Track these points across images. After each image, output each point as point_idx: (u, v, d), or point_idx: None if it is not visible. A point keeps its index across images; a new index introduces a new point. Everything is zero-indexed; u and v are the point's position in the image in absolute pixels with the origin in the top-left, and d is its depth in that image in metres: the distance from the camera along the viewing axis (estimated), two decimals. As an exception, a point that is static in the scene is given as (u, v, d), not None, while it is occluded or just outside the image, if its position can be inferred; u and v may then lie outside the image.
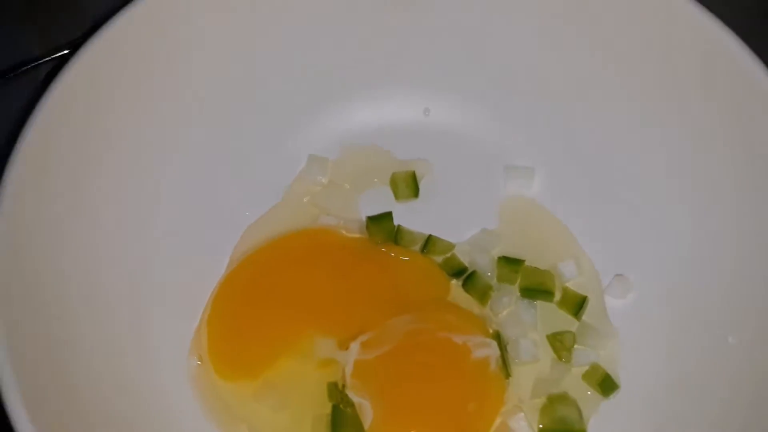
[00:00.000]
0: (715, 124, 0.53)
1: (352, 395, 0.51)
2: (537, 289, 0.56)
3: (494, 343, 0.52)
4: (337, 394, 0.52)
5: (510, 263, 0.57)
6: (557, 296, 0.56)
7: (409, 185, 0.62)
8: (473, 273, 0.57)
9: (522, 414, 0.51)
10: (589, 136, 0.61)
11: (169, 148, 0.58)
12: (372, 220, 0.59)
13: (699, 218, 0.54)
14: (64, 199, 0.49)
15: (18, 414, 0.37)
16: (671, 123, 0.56)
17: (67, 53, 0.70)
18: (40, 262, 0.47)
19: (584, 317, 0.55)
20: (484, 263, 0.57)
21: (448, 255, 0.58)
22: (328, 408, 0.52)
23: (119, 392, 0.48)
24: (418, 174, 0.62)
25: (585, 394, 0.52)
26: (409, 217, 0.61)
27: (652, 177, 0.58)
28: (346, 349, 0.53)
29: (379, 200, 0.62)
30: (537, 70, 0.61)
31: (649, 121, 0.57)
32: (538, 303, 0.56)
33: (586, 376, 0.53)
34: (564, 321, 0.55)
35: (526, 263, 0.57)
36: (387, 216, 0.60)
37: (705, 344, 0.50)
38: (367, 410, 0.50)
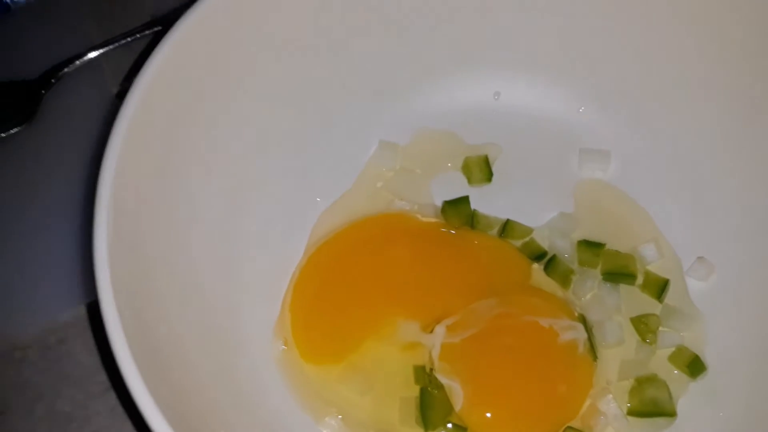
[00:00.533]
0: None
1: (441, 377, 0.51)
2: (619, 272, 0.56)
3: (581, 326, 0.53)
4: (425, 376, 0.52)
5: (591, 247, 0.57)
6: (639, 279, 0.56)
7: (482, 169, 0.62)
8: (554, 257, 0.57)
9: (610, 396, 0.51)
10: (664, 119, 0.61)
11: (250, 140, 0.58)
12: (449, 204, 0.60)
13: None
14: (161, 191, 0.50)
15: (143, 396, 0.38)
16: (751, 110, 0.55)
17: (128, 41, 0.71)
18: (142, 257, 0.47)
19: (667, 300, 0.55)
20: (563, 247, 0.58)
21: (527, 239, 0.59)
22: (414, 391, 0.52)
23: (213, 380, 0.49)
24: (490, 158, 0.63)
25: (672, 376, 0.52)
26: (483, 201, 0.61)
27: (729, 159, 0.58)
28: (431, 332, 0.53)
29: (451, 185, 0.62)
30: (612, 53, 0.60)
31: (729, 106, 0.57)
32: (621, 286, 0.56)
33: (673, 358, 0.53)
34: (647, 304, 0.55)
35: (607, 247, 0.57)
36: (464, 200, 0.60)
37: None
38: (457, 392, 0.51)
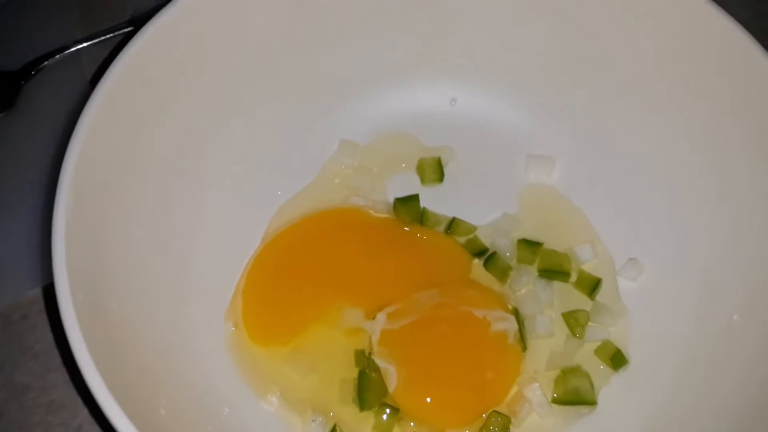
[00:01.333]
0: (729, 123, 0.56)
1: (378, 361, 0.54)
2: (554, 270, 0.59)
3: (513, 318, 0.56)
4: (364, 360, 0.55)
5: (529, 245, 0.60)
6: (573, 277, 0.59)
7: (435, 170, 0.65)
8: (494, 253, 0.60)
9: (537, 384, 0.54)
10: (607, 130, 0.64)
11: (213, 132, 0.61)
12: (400, 201, 0.63)
13: (706, 209, 0.57)
14: (122, 178, 0.53)
15: (86, 362, 0.41)
16: (687, 121, 0.59)
17: (108, 37, 0.74)
18: (100, 240, 0.50)
19: (598, 297, 0.58)
20: (504, 245, 0.61)
21: (471, 236, 0.62)
22: (354, 373, 0.55)
23: (161, 358, 0.51)
24: (443, 160, 0.66)
25: (597, 368, 0.55)
26: (434, 200, 0.64)
27: (665, 169, 0.61)
28: (373, 319, 0.56)
29: (406, 184, 0.66)
30: (561, 65, 0.64)
31: (667, 117, 0.60)
32: (555, 283, 0.59)
33: (598, 351, 0.56)
34: (579, 300, 0.59)
35: (544, 246, 0.60)
36: (414, 198, 0.63)
37: (711, 322, 0.53)
38: (391, 375, 0.54)
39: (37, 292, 0.64)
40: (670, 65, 0.59)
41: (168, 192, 0.58)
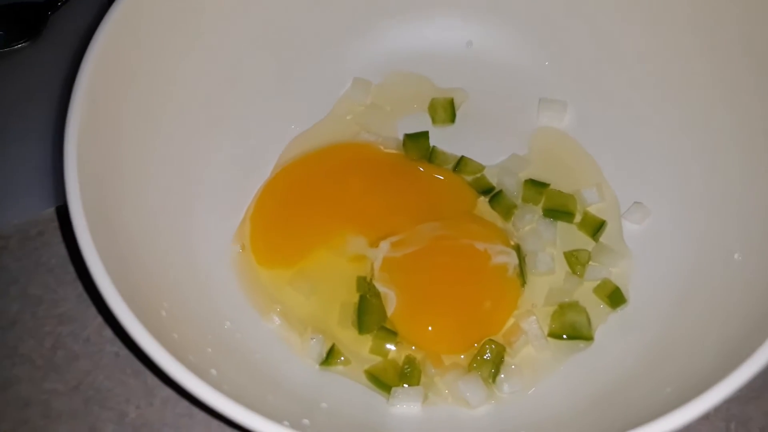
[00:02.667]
0: (739, 66, 0.55)
1: (379, 286, 0.55)
2: (559, 209, 0.59)
3: (513, 252, 0.56)
4: (365, 286, 0.56)
5: (536, 185, 0.61)
6: (578, 218, 0.60)
7: (446, 110, 0.66)
8: (500, 192, 0.61)
9: (534, 318, 0.54)
10: (620, 77, 0.64)
11: (230, 59, 0.62)
12: (409, 137, 0.63)
13: (713, 155, 0.57)
14: (137, 98, 0.54)
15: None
16: (698, 67, 0.59)
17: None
18: (114, 156, 0.51)
19: (601, 239, 0.59)
20: (511, 184, 0.61)
21: (478, 175, 0.62)
22: (354, 298, 0.56)
23: (171, 269, 0.53)
24: (456, 102, 0.66)
25: (595, 307, 0.56)
26: (444, 140, 0.65)
27: (675, 116, 0.61)
28: (376, 247, 0.57)
29: (417, 124, 0.66)
30: (580, 11, 0.64)
31: (679, 63, 0.60)
32: (559, 223, 0.59)
33: (597, 290, 0.56)
34: (582, 241, 0.59)
35: (551, 187, 0.61)
36: (423, 135, 0.64)
37: (711, 264, 0.53)
38: (391, 299, 0.55)
39: (54, 211, 0.66)
40: (682, 10, 0.58)
41: (182, 115, 0.59)
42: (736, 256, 0.50)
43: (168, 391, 0.57)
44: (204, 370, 0.40)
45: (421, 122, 0.66)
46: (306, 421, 0.39)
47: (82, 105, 0.49)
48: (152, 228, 0.53)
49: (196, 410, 0.56)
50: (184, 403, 0.57)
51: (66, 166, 0.46)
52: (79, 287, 0.62)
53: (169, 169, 0.57)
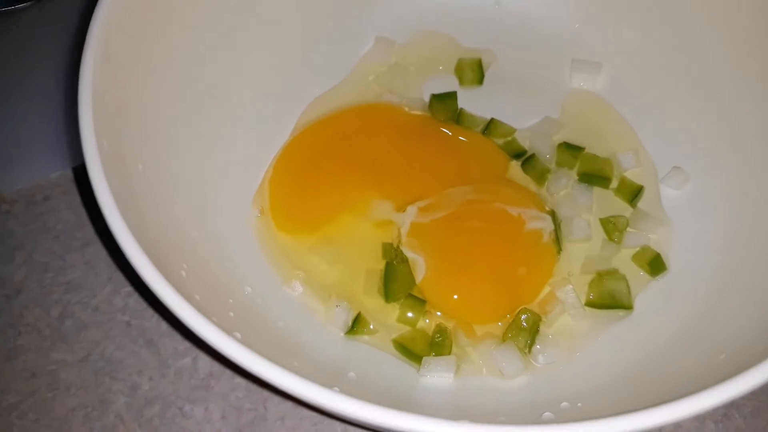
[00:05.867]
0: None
1: (407, 251, 0.52)
2: (595, 174, 0.56)
3: (548, 217, 0.53)
4: (392, 252, 0.53)
5: (570, 149, 0.58)
6: (614, 184, 0.57)
7: (474, 71, 0.63)
8: (533, 155, 0.58)
9: (570, 286, 0.52)
10: (656, 36, 0.61)
11: (247, 17, 0.59)
12: (436, 97, 0.60)
13: (754, 116, 0.54)
14: (146, 45, 0.51)
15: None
16: (739, 29, 0.56)
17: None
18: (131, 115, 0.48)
19: (639, 205, 0.56)
20: (544, 148, 0.58)
21: (509, 138, 0.59)
22: (380, 264, 0.53)
23: (191, 229, 0.50)
24: (483, 64, 0.63)
25: (634, 274, 0.53)
26: (472, 102, 0.62)
27: (713, 77, 0.58)
28: (403, 212, 0.54)
29: (443, 86, 0.63)
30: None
31: (718, 25, 0.57)
32: (595, 189, 0.57)
33: (636, 257, 0.53)
34: (619, 207, 0.56)
35: (586, 151, 0.58)
36: (451, 95, 0.60)
37: (755, 229, 0.50)
38: (420, 265, 0.52)
39: (60, 175, 0.63)
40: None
41: (200, 74, 0.56)
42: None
43: (182, 362, 0.55)
44: (229, 331, 0.37)
45: (447, 84, 0.63)
46: (336, 389, 0.36)
47: (95, 61, 0.45)
48: (170, 189, 0.50)
49: (212, 382, 0.54)
50: (200, 375, 0.54)
51: (81, 123, 0.43)
52: (88, 254, 0.60)
53: (187, 130, 0.54)
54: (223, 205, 0.54)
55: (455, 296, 0.51)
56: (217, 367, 0.54)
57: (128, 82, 0.49)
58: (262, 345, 0.42)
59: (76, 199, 0.62)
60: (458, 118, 0.60)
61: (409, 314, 0.51)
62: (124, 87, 0.49)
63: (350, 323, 0.51)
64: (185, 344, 0.55)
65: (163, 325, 0.56)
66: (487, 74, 0.63)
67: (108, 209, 0.39)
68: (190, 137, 0.54)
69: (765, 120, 0.53)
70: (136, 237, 0.39)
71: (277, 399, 0.53)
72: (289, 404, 0.52)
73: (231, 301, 0.47)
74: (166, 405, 0.53)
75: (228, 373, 0.54)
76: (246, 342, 0.38)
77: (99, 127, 0.44)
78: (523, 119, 0.60)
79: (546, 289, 0.52)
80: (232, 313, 0.44)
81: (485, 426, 0.32)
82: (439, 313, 0.51)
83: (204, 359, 0.54)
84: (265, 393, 0.53)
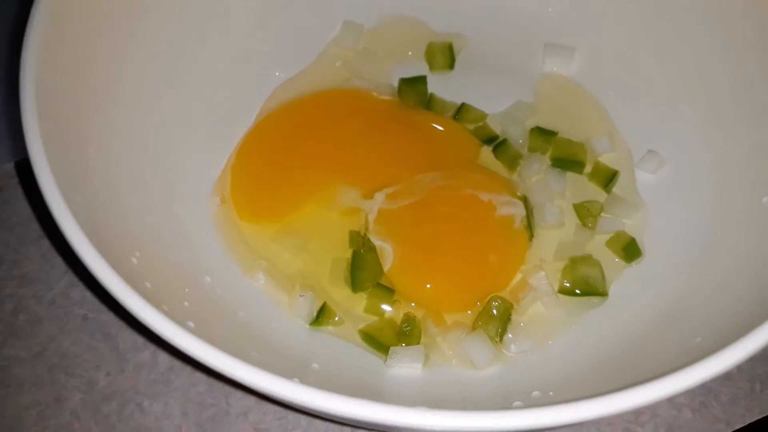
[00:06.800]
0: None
1: (374, 239, 0.50)
2: (568, 159, 0.55)
3: (520, 203, 0.52)
4: (359, 240, 0.51)
5: (543, 133, 0.56)
6: (588, 168, 0.55)
7: (445, 55, 0.61)
8: (504, 140, 0.56)
9: (543, 273, 0.50)
10: (631, 19, 0.59)
11: (211, 6, 0.57)
12: (405, 82, 0.59)
13: (729, 100, 0.53)
14: (107, 37, 0.48)
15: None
16: (709, 11, 0.54)
17: None
18: (87, 84, 0.46)
19: (614, 190, 0.54)
20: (516, 133, 0.57)
21: (480, 123, 0.58)
22: (347, 253, 0.51)
23: (145, 219, 0.47)
24: (455, 48, 0.61)
25: (609, 261, 0.51)
26: (443, 87, 0.60)
27: (687, 60, 0.56)
28: (371, 199, 0.52)
29: (413, 71, 0.61)
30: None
31: (694, 9, 0.56)
32: (568, 174, 0.55)
33: (610, 243, 0.52)
34: (593, 193, 0.55)
35: (560, 135, 0.56)
36: (421, 79, 0.59)
37: (736, 209, 0.48)
38: (387, 253, 0.50)
39: (14, 166, 0.60)
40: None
41: (157, 54, 0.53)
42: (764, 200, 0.46)
43: (141, 356, 0.53)
44: (180, 321, 0.35)
45: (417, 69, 0.61)
46: (296, 380, 0.34)
47: (38, 42, 0.43)
48: (124, 174, 0.48)
49: (173, 376, 0.52)
50: (160, 369, 0.52)
51: (22, 101, 0.41)
52: (44, 246, 0.57)
53: (144, 115, 0.52)
54: (183, 192, 0.52)
55: (424, 284, 0.50)
56: (177, 361, 0.52)
57: (78, 65, 0.47)
58: (219, 335, 0.40)
59: (33, 190, 0.59)
60: (428, 103, 0.58)
61: (377, 304, 0.49)
62: (73, 69, 0.46)
63: (315, 314, 0.49)
64: (144, 338, 0.53)
65: (122, 319, 0.54)
66: (458, 59, 0.61)
67: (46, 186, 0.37)
68: (146, 122, 0.52)
69: (739, 102, 0.52)
70: (78, 218, 0.36)
71: (239, 394, 0.51)
72: (252, 399, 0.50)
73: (187, 290, 0.44)
74: (124, 401, 0.51)
75: (189, 367, 0.52)
76: (200, 332, 0.36)
77: (42, 108, 0.41)
78: (495, 104, 0.58)
79: (518, 277, 0.50)
80: (187, 303, 0.42)
81: (445, 412, 0.30)
82: (413, 305, 0.49)
83: (164, 353, 0.52)
84: (228, 387, 0.51)
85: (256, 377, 0.33)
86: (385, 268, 0.49)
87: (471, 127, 0.57)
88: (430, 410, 0.30)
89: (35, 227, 0.58)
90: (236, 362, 0.32)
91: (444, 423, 0.30)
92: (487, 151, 0.56)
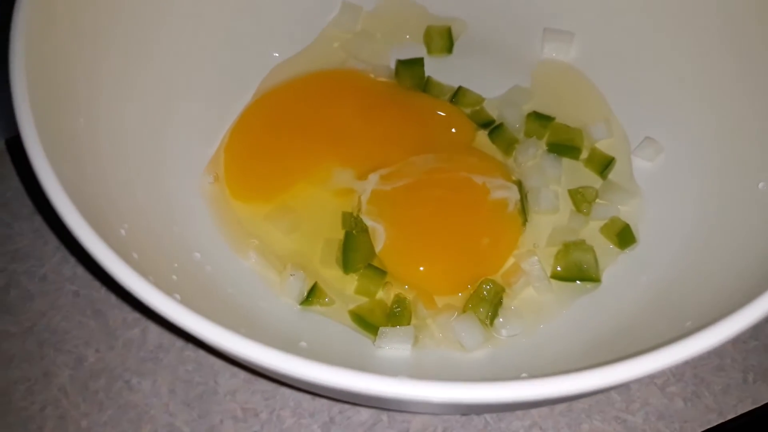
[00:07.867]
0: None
1: (367, 219, 0.50)
2: (565, 144, 0.54)
3: (514, 187, 0.51)
4: (351, 221, 0.51)
5: (540, 118, 0.56)
6: (584, 155, 0.55)
7: (443, 38, 0.60)
8: (501, 125, 0.56)
9: (536, 258, 0.50)
10: (631, 6, 0.58)
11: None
12: (403, 63, 0.58)
13: (727, 87, 0.52)
14: (102, 11, 0.48)
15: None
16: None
17: None
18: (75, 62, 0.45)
19: (610, 176, 0.54)
20: (513, 117, 0.56)
21: (477, 107, 0.57)
22: (339, 234, 0.51)
23: (138, 186, 0.47)
24: (453, 32, 0.61)
25: (603, 247, 0.51)
26: (440, 71, 0.60)
27: (686, 48, 0.56)
28: (365, 179, 0.52)
29: (411, 54, 0.61)
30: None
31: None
32: (564, 160, 0.55)
33: (605, 229, 0.51)
34: (589, 179, 0.54)
35: (556, 120, 0.56)
36: (418, 61, 0.58)
37: (732, 196, 0.48)
38: (380, 234, 0.49)
39: (4, 143, 0.60)
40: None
41: (153, 31, 0.53)
42: (760, 185, 0.45)
43: (131, 334, 0.52)
44: (166, 292, 0.35)
45: (415, 52, 0.61)
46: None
47: (28, 14, 0.42)
48: (116, 146, 0.47)
49: (162, 354, 0.51)
50: (149, 347, 0.52)
51: (13, 80, 0.40)
52: (37, 222, 0.57)
53: (139, 89, 0.51)
54: (175, 168, 0.52)
55: (416, 266, 0.49)
56: (166, 339, 0.52)
57: (69, 37, 0.46)
58: (205, 308, 0.40)
59: (26, 167, 0.59)
60: (425, 85, 0.58)
61: (368, 285, 0.49)
62: (64, 41, 0.45)
63: (305, 293, 0.48)
64: (134, 315, 0.53)
65: (113, 296, 0.53)
66: (456, 43, 0.61)
67: (33, 153, 0.37)
68: (141, 97, 0.52)
69: (739, 90, 0.51)
70: (67, 187, 0.36)
71: (228, 373, 0.50)
72: (240, 379, 0.50)
73: (176, 264, 0.44)
74: (112, 378, 0.51)
75: (178, 345, 0.51)
76: (186, 304, 0.35)
77: (32, 78, 0.41)
78: (492, 88, 0.58)
79: (510, 261, 0.50)
80: (175, 276, 0.42)
81: (429, 383, 0.30)
82: (406, 287, 0.49)
83: (153, 331, 0.52)
84: (216, 366, 0.51)
85: (242, 346, 0.33)
86: (377, 249, 0.49)
87: (468, 110, 0.57)
88: (413, 380, 0.29)
89: (28, 203, 0.58)
90: (213, 326, 0.32)
91: (427, 393, 0.30)
92: (483, 135, 0.56)
